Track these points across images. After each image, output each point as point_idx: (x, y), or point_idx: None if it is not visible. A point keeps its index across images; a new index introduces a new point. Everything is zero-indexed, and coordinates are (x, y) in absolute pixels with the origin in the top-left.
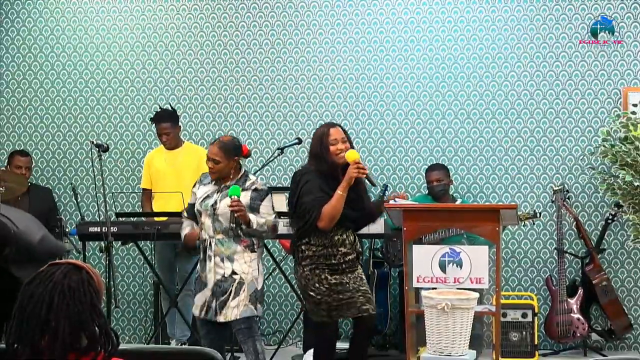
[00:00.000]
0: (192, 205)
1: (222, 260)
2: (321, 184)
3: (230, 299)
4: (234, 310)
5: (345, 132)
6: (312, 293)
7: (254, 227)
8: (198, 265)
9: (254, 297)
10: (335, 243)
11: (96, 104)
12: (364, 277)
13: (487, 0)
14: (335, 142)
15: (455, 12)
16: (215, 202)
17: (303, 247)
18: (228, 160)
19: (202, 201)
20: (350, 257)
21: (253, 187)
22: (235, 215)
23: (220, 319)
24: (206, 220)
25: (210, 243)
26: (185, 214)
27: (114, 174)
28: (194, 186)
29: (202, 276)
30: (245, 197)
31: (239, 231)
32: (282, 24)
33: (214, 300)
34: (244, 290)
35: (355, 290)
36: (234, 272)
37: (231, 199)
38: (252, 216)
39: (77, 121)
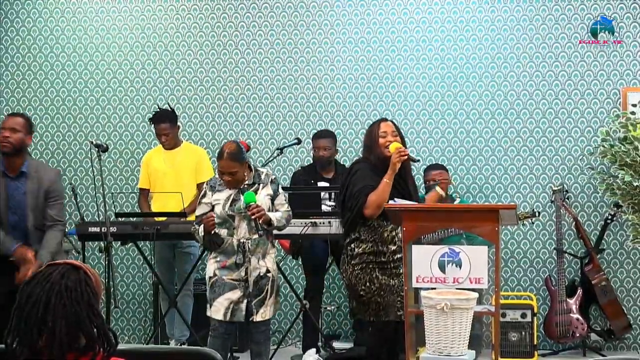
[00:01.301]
0: (204, 215)
1: (258, 260)
2: (371, 175)
3: (268, 297)
4: (271, 308)
5: (397, 127)
6: (361, 292)
7: (275, 224)
8: (216, 269)
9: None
10: (385, 240)
11: (95, 104)
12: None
13: (487, 0)
14: (384, 134)
15: (455, 13)
16: None
17: (352, 244)
18: (242, 166)
19: (230, 206)
20: (398, 255)
21: (269, 179)
22: (260, 221)
23: (258, 318)
24: (241, 223)
25: (248, 246)
26: (196, 225)
27: (114, 174)
28: (204, 196)
29: (223, 278)
30: (267, 190)
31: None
32: (281, 24)
33: (249, 301)
34: (275, 287)
35: (397, 295)
36: (267, 270)
37: (250, 206)
38: (271, 215)
39: (77, 121)
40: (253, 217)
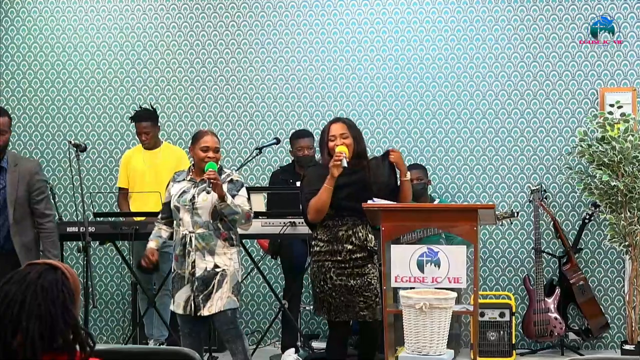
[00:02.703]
0: (167, 205)
1: (204, 255)
2: (321, 179)
3: (214, 291)
4: (218, 302)
5: (350, 126)
6: (317, 290)
7: (228, 202)
8: (173, 263)
9: (236, 289)
10: (339, 239)
11: (74, 103)
12: (374, 281)
13: (465, 1)
14: (333, 138)
15: (433, 13)
16: (193, 197)
17: (313, 242)
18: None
19: (179, 197)
20: (357, 255)
21: (229, 178)
22: (211, 181)
23: (205, 312)
24: (185, 216)
25: (190, 239)
26: (159, 217)
27: (92, 173)
28: (168, 185)
29: (179, 273)
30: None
31: (217, 208)
32: (260, 24)
33: (197, 295)
34: (227, 282)
35: (358, 295)
36: (216, 266)
37: (207, 171)
38: (228, 195)
39: (55, 120)
40: (207, 177)
